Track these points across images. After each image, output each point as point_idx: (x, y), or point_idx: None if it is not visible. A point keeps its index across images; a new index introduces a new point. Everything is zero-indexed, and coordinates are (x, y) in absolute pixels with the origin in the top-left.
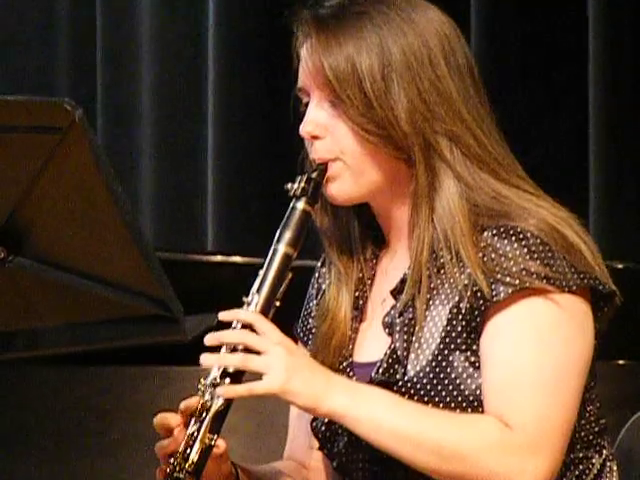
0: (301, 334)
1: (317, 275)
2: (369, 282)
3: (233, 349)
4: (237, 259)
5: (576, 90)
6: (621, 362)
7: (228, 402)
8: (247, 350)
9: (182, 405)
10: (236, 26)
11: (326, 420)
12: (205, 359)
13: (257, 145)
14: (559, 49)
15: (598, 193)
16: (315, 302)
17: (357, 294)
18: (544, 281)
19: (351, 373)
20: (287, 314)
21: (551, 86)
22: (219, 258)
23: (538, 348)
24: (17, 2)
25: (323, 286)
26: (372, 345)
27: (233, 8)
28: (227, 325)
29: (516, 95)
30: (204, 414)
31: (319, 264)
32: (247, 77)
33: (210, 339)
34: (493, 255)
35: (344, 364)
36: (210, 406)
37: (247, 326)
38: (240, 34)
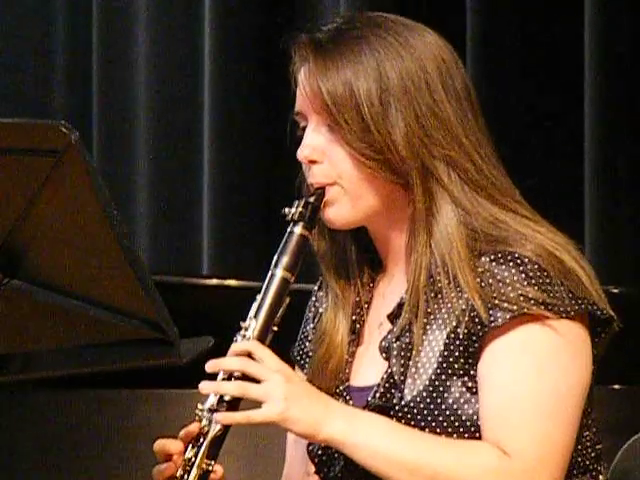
0: (298, 357)
1: (314, 299)
2: (366, 306)
3: (230, 375)
4: (232, 282)
5: (572, 114)
6: (616, 387)
7: (226, 428)
8: (245, 376)
9: (182, 433)
10: (232, 49)
11: (323, 445)
12: (203, 386)
13: (254, 169)
14: (554, 76)
15: (594, 218)
16: (312, 326)
17: (354, 318)
18: (542, 307)
19: (348, 397)
20: (285, 337)
21: (546, 111)
22: (214, 281)
23: (536, 374)
24: (14, 25)
25: (320, 310)
26: (369, 369)
27: (229, 33)
28: (224, 349)
29: (512, 119)
30: (201, 439)
31: (316, 288)
32: (244, 100)
33: (210, 366)
34: (491, 280)
35: (340, 388)
36: (207, 431)
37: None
38: (236, 56)
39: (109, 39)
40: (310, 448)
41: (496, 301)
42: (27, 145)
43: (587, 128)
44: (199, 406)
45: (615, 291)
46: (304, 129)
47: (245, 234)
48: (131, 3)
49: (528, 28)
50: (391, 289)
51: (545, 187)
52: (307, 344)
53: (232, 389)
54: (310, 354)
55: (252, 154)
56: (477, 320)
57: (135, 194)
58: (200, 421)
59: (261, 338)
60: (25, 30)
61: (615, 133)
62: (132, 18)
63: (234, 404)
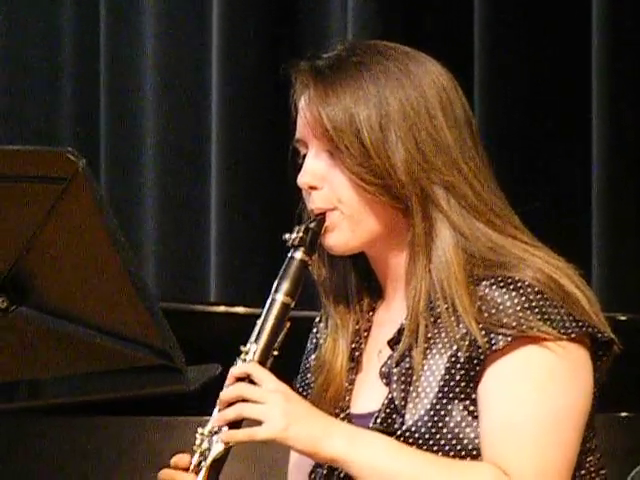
0: (300, 389)
1: (315, 330)
2: (365, 334)
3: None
4: (240, 310)
5: (580, 139)
6: (623, 414)
7: (226, 450)
8: (245, 401)
9: (172, 461)
10: (240, 77)
11: (325, 472)
12: (212, 421)
13: (260, 196)
14: (563, 98)
15: (601, 246)
16: (313, 357)
17: (353, 346)
18: (542, 329)
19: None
20: (285, 365)
21: (555, 136)
22: (222, 309)
23: (536, 395)
24: (21, 52)
25: (321, 341)
26: (369, 396)
27: (237, 62)
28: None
29: (521, 144)
30: (202, 463)
31: (317, 319)
32: (251, 129)
33: (219, 403)
34: (489, 305)
35: (341, 416)
36: (208, 455)
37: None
38: (243, 89)
39: (116, 66)
40: (312, 476)
41: (495, 325)
42: (34, 172)
43: (595, 151)
44: (199, 430)
45: (622, 318)
46: (304, 157)
47: (253, 261)
48: (139, 30)
49: (537, 64)
50: (390, 316)
51: (552, 213)
52: (308, 375)
53: (231, 414)
54: (311, 385)
55: (260, 183)
56: (477, 344)
57: (142, 221)
58: (200, 445)
59: (261, 362)
60: (32, 58)
61: (622, 157)
62: (140, 46)
63: (235, 425)
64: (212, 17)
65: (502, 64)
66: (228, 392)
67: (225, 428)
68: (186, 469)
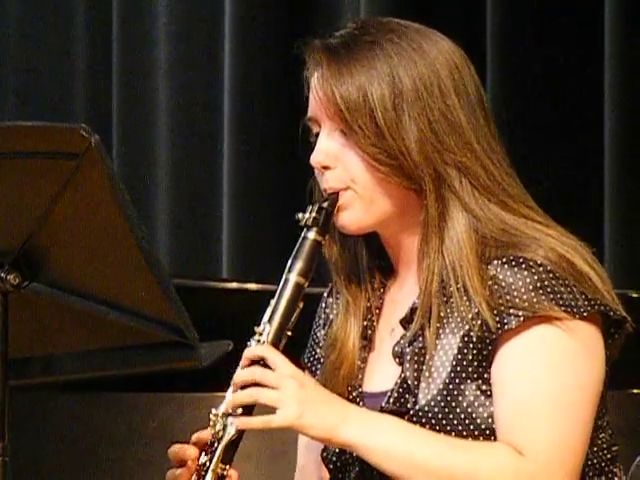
0: (309, 364)
1: (324, 305)
2: (377, 312)
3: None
4: (252, 286)
5: (592, 117)
6: (636, 391)
7: (240, 432)
8: (259, 385)
9: (194, 438)
10: (252, 54)
11: (337, 450)
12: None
13: (272, 174)
14: (575, 77)
15: (614, 223)
16: (323, 332)
17: (365, 324)
18: (554, 308)
19: (361, 403)
20: (296, 341)
21: (567, 114)
22: (234, 285)
23: (549, 375)
24: (35, 31)
25: (331, 316)
26: (382, 375)
27: (249, 39)
28: (242, 353)
29: (532, 123)
30: (216, 444)
31: (326, 294)
32: (264, 105)
33: (234, 382)
34: (502, 285)
35: (354, 394)
36: (222, 436)
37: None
38: (256, 63)
39: (129, 45)
40: (324, 454)
41: (507, 305)
42: (47, 148)
43: (608, 131)
44: (213, 411)
45: (635, 295)
46: (317, 135)
47: (265, 237)
48: (151, 8)
49: (548, 51)
50: (402, 294)
51: (564, 192)
52: (318, 350)
53: (245, 397)
54: (321, 360)
55: (272, 160)
56: (488, 324)
57: (155, 197)
58: (214, 426)
59: (275, 343)
60: (46, 34)
61: (635, 137)
62: (152, 23)
63: (248, 409)
64: None
65: (515, 46)
66: (242, 375)
67: (239, 410)
68: (203, 446)
